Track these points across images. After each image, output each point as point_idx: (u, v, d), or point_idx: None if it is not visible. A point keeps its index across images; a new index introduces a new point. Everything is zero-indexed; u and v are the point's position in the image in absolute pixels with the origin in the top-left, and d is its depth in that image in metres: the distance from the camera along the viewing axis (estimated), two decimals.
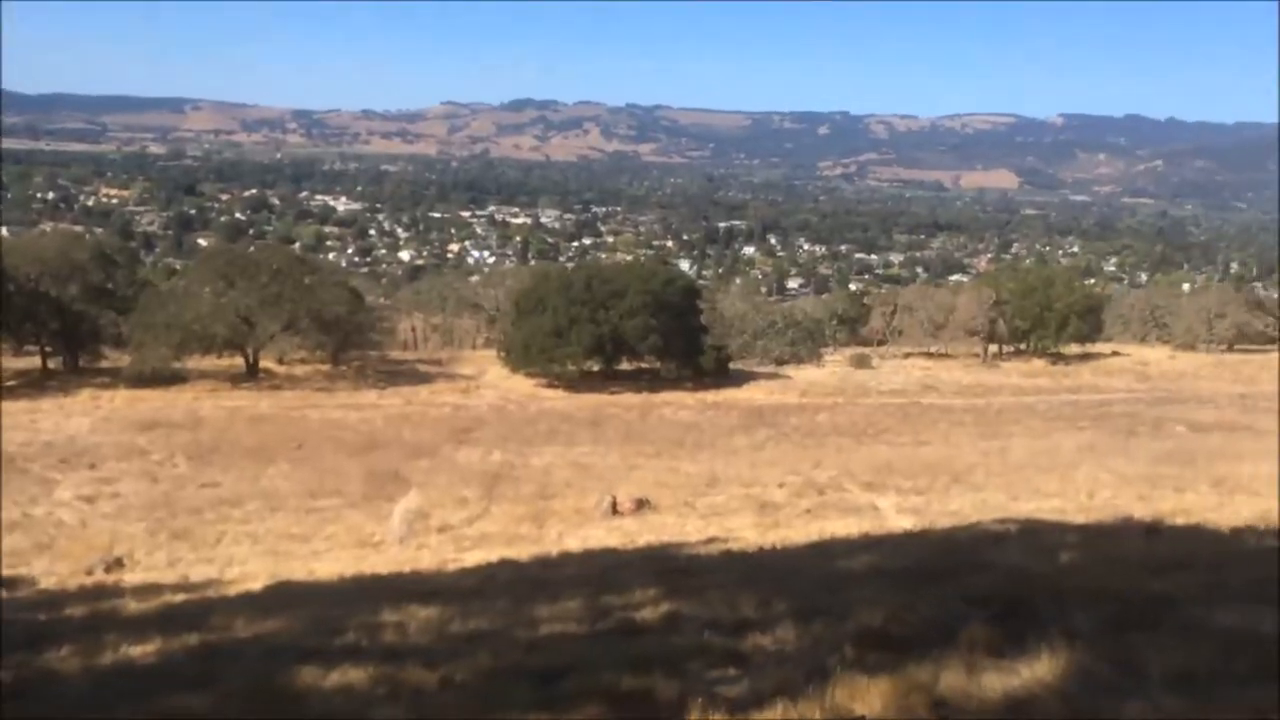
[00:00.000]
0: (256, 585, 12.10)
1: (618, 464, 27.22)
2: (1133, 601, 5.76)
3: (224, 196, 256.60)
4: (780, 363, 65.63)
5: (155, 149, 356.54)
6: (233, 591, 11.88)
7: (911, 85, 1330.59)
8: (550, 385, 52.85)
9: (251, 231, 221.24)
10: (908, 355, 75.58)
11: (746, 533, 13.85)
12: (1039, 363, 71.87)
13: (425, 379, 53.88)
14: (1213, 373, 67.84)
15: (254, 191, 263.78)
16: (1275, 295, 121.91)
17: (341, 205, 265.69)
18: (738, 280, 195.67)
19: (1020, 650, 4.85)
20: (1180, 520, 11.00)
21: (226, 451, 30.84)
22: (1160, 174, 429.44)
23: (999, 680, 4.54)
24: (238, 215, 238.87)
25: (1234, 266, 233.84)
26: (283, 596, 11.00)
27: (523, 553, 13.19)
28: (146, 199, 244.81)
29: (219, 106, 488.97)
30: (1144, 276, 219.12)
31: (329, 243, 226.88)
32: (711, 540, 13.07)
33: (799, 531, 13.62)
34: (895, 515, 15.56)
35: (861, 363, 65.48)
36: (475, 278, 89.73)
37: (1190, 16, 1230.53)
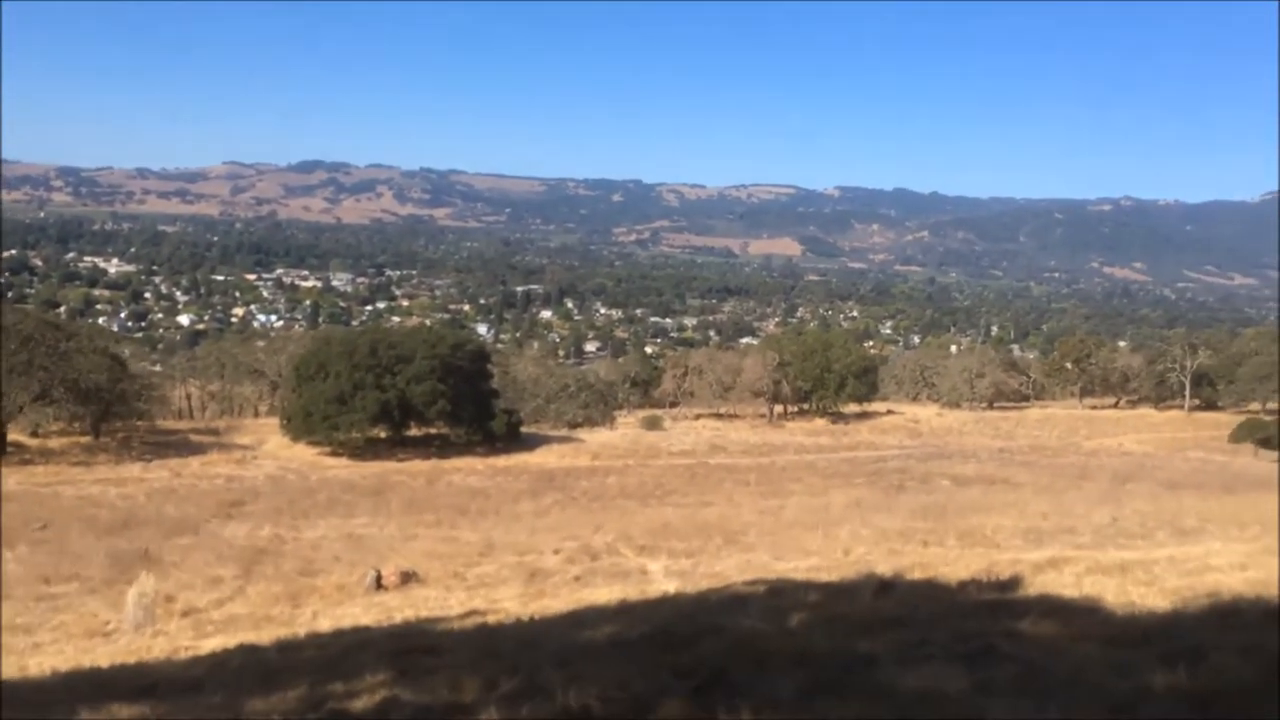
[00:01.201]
0: None
1: (395, 535, 26.28)
2: (835, 664, 5.83)
3: None
4: (574, 426, 65.79)
5: None
6: None
7: (700, 156, 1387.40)
8: (334, 454, 50.87)
9: (11, 294, 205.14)
10: (699, 416, 77.39)
11: (509, 604, 13.47)
12: (821, 421, 75.01)
13: (198, 449, 50.78)
14: (975, 428, 72.66)
15: (14, 252, 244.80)
16: (1029, 356, 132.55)
17: (114, 267, 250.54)
18: (535, 344, 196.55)
19: None
20: (918, 574, 11.45)
21: None
22: (927, 244, 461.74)
23: None
24: None
25: (994, 329, 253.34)
26: None
27: (268, 636, 12.35)
28: None
29: None
30: (916, 339, 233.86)
31: (99, 306, 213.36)
32: (470, 614, 12.63)
33: (562, 600, 13.38)
34: (662, 579, 15.54)
35: (653, 424, 66.44)
36: (262, 343, 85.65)
37: (944, 96, 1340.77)
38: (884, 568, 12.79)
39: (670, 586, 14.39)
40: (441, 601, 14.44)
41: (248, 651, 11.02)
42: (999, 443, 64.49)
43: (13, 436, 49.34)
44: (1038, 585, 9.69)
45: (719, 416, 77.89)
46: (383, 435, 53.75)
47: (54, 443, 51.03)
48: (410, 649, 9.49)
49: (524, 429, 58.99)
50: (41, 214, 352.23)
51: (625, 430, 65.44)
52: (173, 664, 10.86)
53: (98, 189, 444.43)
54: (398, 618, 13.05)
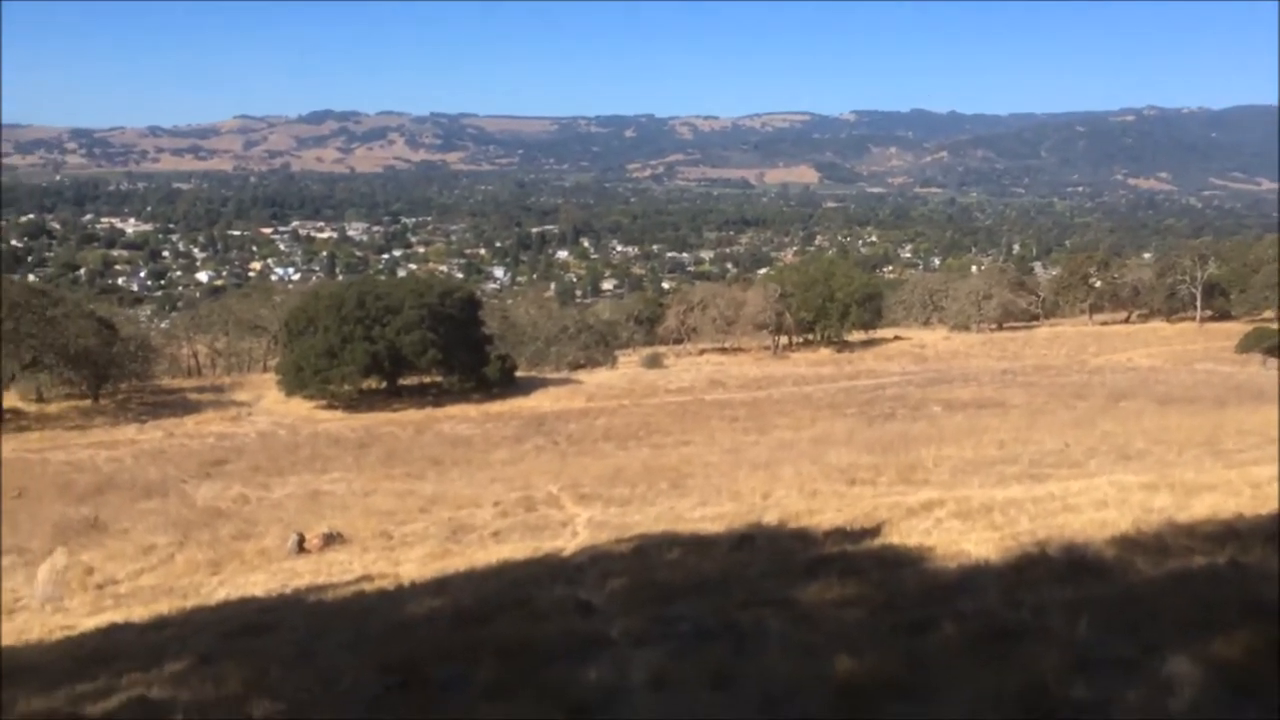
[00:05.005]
0: None
1: (357, 491, 26.17)
2: (553, 651, 5.46)
3: None
4: (575, 368, 65.47)
5: None
6: None
7: (712, 87, 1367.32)
8: (330, 407, 50.88)
9: (30, 259, 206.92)
10: (703, 352, 76.87)
11: (409, 566, 13.20)
12: (826, 351, 74.38)
13: (195, 408, 50.91)
14: (982, 351, 71.84)
15: (31, 217, 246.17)
16: (1052, 273, 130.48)
17: (131, 227, 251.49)
18: (552, 285, 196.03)
19: None
20: (801, 523, 11.06)
21: None
22: (946, 164, 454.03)
23: None
24: (14, 243, 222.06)
25: (1016, 248, 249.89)
26: None
27: (156, 611, 12.18)
28: None
29: None
30: (936, 261, 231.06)
31: (118, 267, 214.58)
32: (361, 579, 12.38)
33: (462, 559, 13.09)
34: (581, 530, 15.24)
35: (653, 363, 66.00)
36: (279, 297, 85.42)
37: (958, 11, 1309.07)
38: (781, 514, 12.40)
39: (581, 540, 14.10)
40: (348, 565, 14.21)
41: (114, 631, 10.83)
42: (1004, 364, 63.72)
43: (11, 403, 49.69)
44: (899, 532, 9.26)
45: (724, 351, 77.37)
46: (379, 387, 53.71)
47: (53, 408, 51.35)
48: (245, 628, 9.24)
49: (523, 373, 58.77)
50: (57, 177, 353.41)
51: (626, 370, 65.08)
52: (39, 646, 10.69)
53: (111, 150, 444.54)
54: (290, 586, 12.84)
